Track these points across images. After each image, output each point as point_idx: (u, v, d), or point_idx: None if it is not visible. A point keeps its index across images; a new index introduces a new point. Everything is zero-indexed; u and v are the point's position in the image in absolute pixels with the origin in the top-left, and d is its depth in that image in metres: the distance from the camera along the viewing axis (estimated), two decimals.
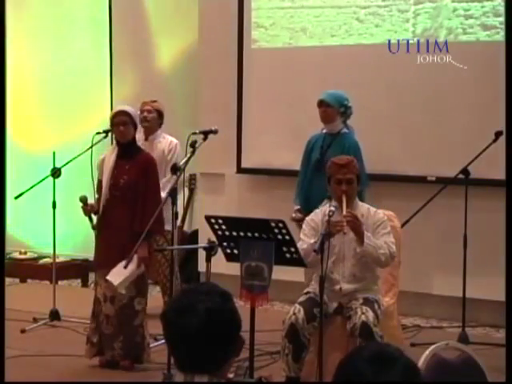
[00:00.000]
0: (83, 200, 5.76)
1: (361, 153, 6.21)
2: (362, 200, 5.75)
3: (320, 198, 5.43)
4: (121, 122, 5.74)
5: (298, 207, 6.35)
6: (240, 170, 7.94)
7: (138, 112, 6.61)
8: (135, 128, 5.87)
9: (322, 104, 6.29)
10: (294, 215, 6.28)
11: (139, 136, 6.80)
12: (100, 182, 5.83)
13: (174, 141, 6.90)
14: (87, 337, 5.81)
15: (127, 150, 5.79)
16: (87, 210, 5.76)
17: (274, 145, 7.70)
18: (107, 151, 5.93)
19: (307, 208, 5.94)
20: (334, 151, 6.05)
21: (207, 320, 2.34)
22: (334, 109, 6.26)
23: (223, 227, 4.92)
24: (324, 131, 6.40)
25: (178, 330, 2.37)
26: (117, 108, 5.97)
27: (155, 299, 7.03)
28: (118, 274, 5.55)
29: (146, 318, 5.75)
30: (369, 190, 6.22)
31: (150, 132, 6.92)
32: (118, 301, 5.68)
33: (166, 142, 6.92)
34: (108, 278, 5.56)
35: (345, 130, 6.33)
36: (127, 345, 5.68)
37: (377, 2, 7.36)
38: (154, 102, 6.99)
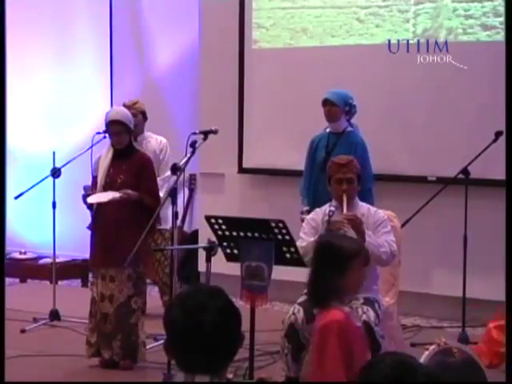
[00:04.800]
0: (88, 189, 5.78)
1: (367, 151, 6.19)
2: (371, 198, 5.73)
3: (327, 198, 5.37)
4: (115, 132, 5.78)
5: (307, 208, 6.21)
6: (241, 169, 7.94)
7: None
8: (131, 132, 5.87)
9: (326, 103, 6.20)
10: (303, 216, 6.12)
11: None
12: (95, 178, 5.84)
13: (164, 140, 6.93)
14: (86, 337, 5.82)
15: (123, 152, 5.81)
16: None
17: (275, 145, 7.69)
18: (104, 149, 5.94)
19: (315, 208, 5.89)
20: (340, 150, 5.98)
21: (220, 317, 2.39)
22: (338, 108, 6.18)
23: (223, 227, 4.92)
24: (328, 130, 6.34)
25: (189, 330, 2.38)
26: (110, 115, 5.86)
27: (154, 299, 7.03)
28: (99, 198, 5.68)
29: (141, 318, 5.77)
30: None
31: (137, 133, 6.90)
32: (116, 299, 5.69)
33: (156, 142, 6.94)
34: (89, 199, 5.70)
35: (349, 129, 6.28)
36: (125, 344, 5.68)
37: (377, 3, 7.36)
38: (136, 103, 6.88)
